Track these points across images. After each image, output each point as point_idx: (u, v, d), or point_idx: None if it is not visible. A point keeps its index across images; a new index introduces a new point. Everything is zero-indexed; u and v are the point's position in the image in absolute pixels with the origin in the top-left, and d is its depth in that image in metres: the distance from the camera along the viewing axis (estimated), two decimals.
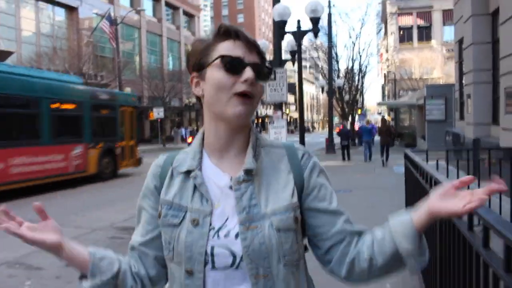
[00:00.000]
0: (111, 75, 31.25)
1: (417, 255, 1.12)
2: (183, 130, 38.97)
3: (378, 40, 55.60)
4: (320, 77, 33.96)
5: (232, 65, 1.13)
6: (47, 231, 1.12)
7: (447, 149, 7.50)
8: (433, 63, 40.95)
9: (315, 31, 10.98)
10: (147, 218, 1.26)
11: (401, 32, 43.99)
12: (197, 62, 1.20)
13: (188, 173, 1.21)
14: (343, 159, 20.04)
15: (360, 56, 32.72)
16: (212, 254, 1.12)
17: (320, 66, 34.71)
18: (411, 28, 43.81)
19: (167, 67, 43.94)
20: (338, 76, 33.11)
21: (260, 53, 1.20)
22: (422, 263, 1.13)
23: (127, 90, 32.29)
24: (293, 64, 14.13)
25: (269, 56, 14.18)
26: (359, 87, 35.05)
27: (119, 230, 7.32)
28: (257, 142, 1.24)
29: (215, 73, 1.15)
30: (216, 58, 1.15)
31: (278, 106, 12.02)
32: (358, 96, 36.07)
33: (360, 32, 48.27)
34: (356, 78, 34.12)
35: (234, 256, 1.12)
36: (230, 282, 1.13)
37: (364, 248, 1.17)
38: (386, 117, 36.92)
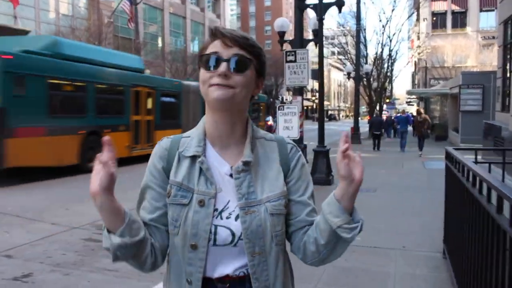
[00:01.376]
0: None
1: (348, 226, 1.22)
2: None
3: (409, 26, 53.32)
4: (348, 63, 32.37)
5: (207, 61, 1.27)
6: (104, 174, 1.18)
7: (504, 148, 6.14)
8: (467, 51, 39.01)
9: (339, 4, 9.61)
10: (154, 196, 1.35)
11: (434, 18, 41.92)
12: (198, 62, 1.33)
13: (193, 157, 1.33)
14: (374, 149, 18.89)
15: (390, 41, 31.01)
16: (215, 233, 1.27)
17: (348, 51, 33.12)
18: (444, 13, 41.78)
19: (191, 50, 42.93)
20: (366, 62, 31.50)
21: (245, 47, 1.27)
22: (354, 233, 1.22)
23: (147, 72, 31.54)
24: (316, 45, 12.71)
25: (288, 37, 12.87)
26: (388, 74, 33.39)
27: (100, 230, 6.24)
28: (253, 134, 1.37)
29: (200, 71, 1.31)
30: (200, 58, 1.31)
31: (299, 90, 10.83)
32: (386, 83, 34.42)
33: (391, 16, 45.81)
34: (386, 64, 32.47)
35: (233, 235, 1.27)
36: (228, 257, 1.28)
37: (310, 233, 1.33)
38: (415, 107, 35.27)
